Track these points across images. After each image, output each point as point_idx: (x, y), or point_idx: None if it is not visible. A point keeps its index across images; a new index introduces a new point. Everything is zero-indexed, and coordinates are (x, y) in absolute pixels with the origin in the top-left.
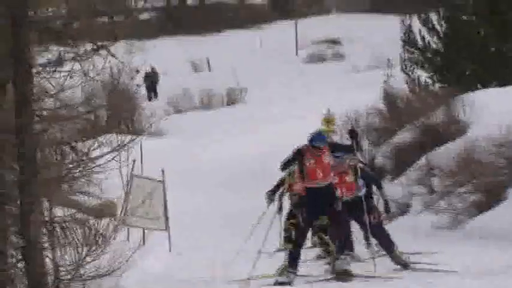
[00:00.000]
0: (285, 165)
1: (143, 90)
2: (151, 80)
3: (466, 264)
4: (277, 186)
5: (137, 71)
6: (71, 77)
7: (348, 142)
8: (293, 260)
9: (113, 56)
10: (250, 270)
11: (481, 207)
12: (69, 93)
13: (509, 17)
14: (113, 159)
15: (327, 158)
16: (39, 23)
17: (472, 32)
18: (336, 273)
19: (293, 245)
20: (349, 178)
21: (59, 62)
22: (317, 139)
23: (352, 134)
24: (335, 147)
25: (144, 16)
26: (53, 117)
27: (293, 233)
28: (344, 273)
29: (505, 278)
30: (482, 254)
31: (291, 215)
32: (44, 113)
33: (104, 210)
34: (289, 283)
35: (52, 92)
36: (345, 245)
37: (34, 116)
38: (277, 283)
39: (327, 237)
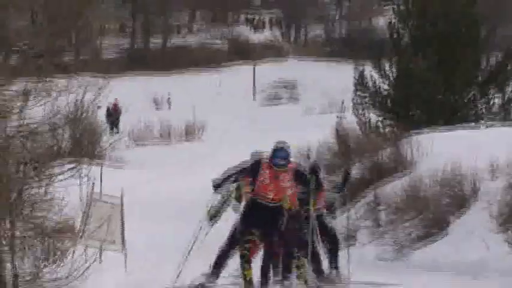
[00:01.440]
0: (231, 175)
1: (105, 124)
2: (114, 115)
3: None
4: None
5: (99, 107)
6: (34, 97)
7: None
8: (216, 266)
9: (76, 74)
10: None
11: (424, 241)
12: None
13: (456, 67)
14: (71, 176)
15: (287, 183)
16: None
17: (421, 79)
18: None
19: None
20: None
21: (26, 94)
22: (278, 155)
23: (315, 169)
24: (301, 178)
25: (111, 55)
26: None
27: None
28: None
29: None
30: (420, 283)
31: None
32: (8, 130)
33: (63, 230)
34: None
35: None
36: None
37: None
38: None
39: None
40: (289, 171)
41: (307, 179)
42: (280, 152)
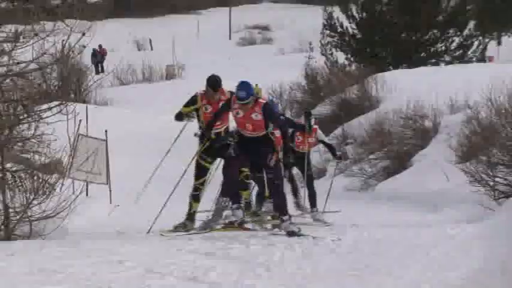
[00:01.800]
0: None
1: (91, 64)
2: (99, 56)
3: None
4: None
5: (84, 46)
6: (24, 39)
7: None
8: (232, 194)
9: (62, 21)
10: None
11: (389, 173)
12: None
13: (418, 8)
14: (59, 112)
15: (259, 116)
16: None
17: (386, 20)
18: (287, 233)
19: (224, 177)
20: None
21: (16, 37)
22: (240, 88)
23: (307, 115)
24: (269, 113)
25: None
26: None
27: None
28: (292, 234)
29: (397, 229)
30: (384, 211)
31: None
32: None
33: (52, 166)
34: (240, 221)
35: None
36: (284, 205)
37: None
38: (227, 223)
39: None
40: (256, 106)
41: (275, 116)
42: (241, 85)
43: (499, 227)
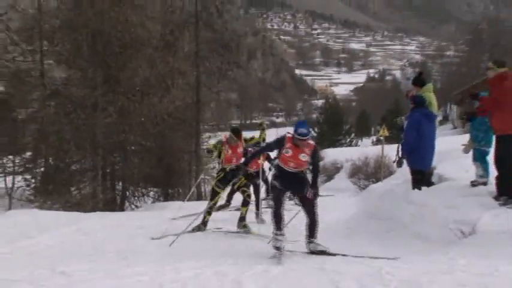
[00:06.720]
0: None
1: None
2: None
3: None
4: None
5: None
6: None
7: None
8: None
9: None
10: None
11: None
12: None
13: (338, 131)
14: None
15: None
16: None
17: (323, 133)
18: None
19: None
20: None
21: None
22: (303, 126)
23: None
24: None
25: None
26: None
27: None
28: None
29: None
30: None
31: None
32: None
33: None
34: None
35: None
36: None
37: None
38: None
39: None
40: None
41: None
42: (302, 124)
43: (362, 198)
